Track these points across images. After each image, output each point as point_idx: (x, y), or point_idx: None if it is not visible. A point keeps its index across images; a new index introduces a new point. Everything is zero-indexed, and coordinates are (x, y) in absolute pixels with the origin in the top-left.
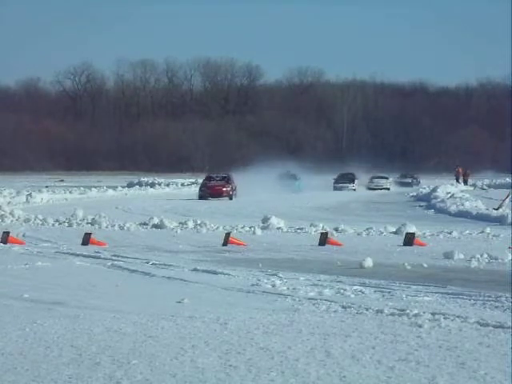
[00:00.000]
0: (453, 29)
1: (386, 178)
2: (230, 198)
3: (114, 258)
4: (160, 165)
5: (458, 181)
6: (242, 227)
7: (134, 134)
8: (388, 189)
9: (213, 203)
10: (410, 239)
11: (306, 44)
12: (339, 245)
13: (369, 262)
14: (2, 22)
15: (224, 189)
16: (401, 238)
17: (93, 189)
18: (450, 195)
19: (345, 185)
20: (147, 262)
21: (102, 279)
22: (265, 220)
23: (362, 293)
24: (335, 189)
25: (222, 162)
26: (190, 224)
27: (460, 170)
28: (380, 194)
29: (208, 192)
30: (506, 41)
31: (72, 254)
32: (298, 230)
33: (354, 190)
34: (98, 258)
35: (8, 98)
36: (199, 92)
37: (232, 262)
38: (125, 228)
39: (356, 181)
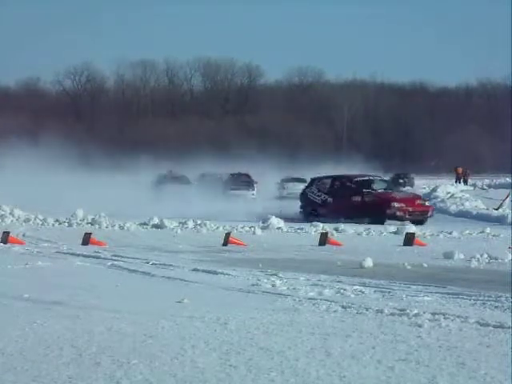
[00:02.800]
0: (453, 29)
1: (304, 181)
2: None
3: (113, 257)
4: (160, 164)
5: (457, 181)
6: (242, 227)
7: (133, 134)
8: None
9: None
10: (409, 239)
11: (306, 44)
12: (339, 245)
13: (369, 262)
14: (2, 22)
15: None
16: (401, 238)
17: None
18: (449, 195)
19: (242, 191)
20: (147, 262)
21: (102, 279)
22: (265, 220)
23: (362, 293)
24: (228, 196)
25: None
26: (190, 224)
27: (459, 169)
28: None
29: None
30: (506, 41)
31: (72, 254)
32: (298, 230)
33: (254, 198)
34: (98, 257)
35: (8, 98)
36: (199, 92)
37: (232, 262)
38: (125, 228)
39: (255, 185)
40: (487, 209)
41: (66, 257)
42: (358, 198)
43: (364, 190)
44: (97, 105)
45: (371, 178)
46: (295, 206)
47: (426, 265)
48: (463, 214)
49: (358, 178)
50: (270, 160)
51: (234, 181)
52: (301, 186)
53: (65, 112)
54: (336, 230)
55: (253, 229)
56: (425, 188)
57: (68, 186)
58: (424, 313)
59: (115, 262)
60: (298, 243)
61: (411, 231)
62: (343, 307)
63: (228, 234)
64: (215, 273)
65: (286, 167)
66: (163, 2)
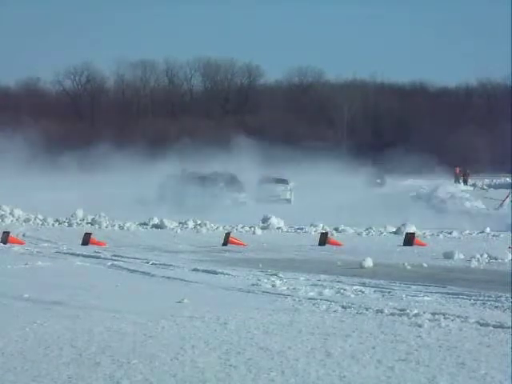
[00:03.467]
0: (453, 29)
1: (286, 183)
2: None
3: (113, 257)
4: (160, 164)
5: (457, 181)
6: (242, 227)
7: (133, 134)
8: (288, 200)
9: None
10: (410, 239)
11: (306, 44)
12: (339, 245)
13: (369, 262)
14: (2, 22)
15: None
16: (401, 238)
17: None
18: (449, 195)
19: (230, 194)
20: (147, 262)
21: (101, 279)
22: (265, 220)
23: (362, 293)
24: (218, 199)
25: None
26: (190, 224)
27: (457, 169)
28: (378, 194)
29: None
30: (506, 41)
31: (72, 254)
32: (298, 230)
33: (244, 202)
34: (98, 257)
35: (8, 98)
36: (199, 92)
37: (232, 262)
38: (125, 228)
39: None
40: (487, 209)
41: (65, 257)
42: None
43: None
44: (97, 105)
45: None
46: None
47: (425, 265)
48: (463, 214)
49: None
50: (270, 160)
51: (211, 180)
52: (281, 188)
53: (65, 112)
54: (336, 229)
55: (253, 229)
56: (425, 188)
57: (68, 185)
58: (424, 313)
59: (115, 262)
60: (298, 243)
61: (411, 231)
62: (343, 307)
63: (228, 234)
64: (215, 273)
65: (285, 167)
66: (163, 2)
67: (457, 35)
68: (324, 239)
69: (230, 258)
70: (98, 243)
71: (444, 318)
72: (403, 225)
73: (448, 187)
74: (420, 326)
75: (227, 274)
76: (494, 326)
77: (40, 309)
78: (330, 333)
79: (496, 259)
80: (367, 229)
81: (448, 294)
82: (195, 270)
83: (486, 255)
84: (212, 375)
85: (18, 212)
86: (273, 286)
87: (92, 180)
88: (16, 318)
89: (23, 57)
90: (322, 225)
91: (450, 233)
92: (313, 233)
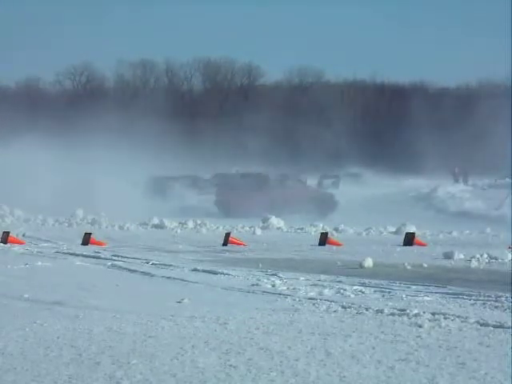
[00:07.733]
0: (452, 29)
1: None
2: None
3: (113, 257)
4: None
5: (457, 181)
6: (242, 227)
7: (133, 134)
8: None
9: None
10: (410, 239)
11: (306, 44)
12: (339, 245)
13: (369, 262)
14: (2, 21)
15: None
16: (401, 238)
17: None
18: (450, 195)
19: None
20: (147, 262)
21: (102, 279)
22: (265, 220)
23: (362, 293)
24: None
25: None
26: (190, 224)
27: (455, 169)
28: (379, 194)
29: None
30: (506, 41)
31: (72, 254)
32: (298, 230)
33: None
34: (98, 257)
35: (8, 98)
36: (199, 92)
37: (232, 262)
38: (125, 228)
39: None
40: (487, 209)
41: (65, 257)
42: None
43: None
44: (97, 105)
45: None
46: None
47: (425, 265)
48: (463, 214)
49: None
50: (270, 160)
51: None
52: None
53: (65, 112)
54: (336, 229)
55: (253, 229)
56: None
57: (69, 186)
58: (424, 313)
59: (115, 262)
60: (298, 243)
61: (411, 231)
62: (343, 307)
63: (228, 234)
64: (215, 273)
65: (286, 167)
66: (163, 2)
67: (457, 35)
68: (324, 239)
69: (229, 258)
70: (98, 243)
71: (444, 318)
72: (403, 225)
73: (448, 187)
74: (420, 326)
75: (227, 274)
76: (494, 326)
77: (40, 309)
78: (329, 333)
79: (496, 259)
80: (367, 229)
81: (448, 294)
82: (195, 270)
83: (485, 255)
84: (212, 375)
85: (18, 212)
86: (273, 285)
87: (92, 180)
88: (16, 318)
89: (23, 57)
90: (321, 225)
91: (450, 233)
92: (313, 233)
